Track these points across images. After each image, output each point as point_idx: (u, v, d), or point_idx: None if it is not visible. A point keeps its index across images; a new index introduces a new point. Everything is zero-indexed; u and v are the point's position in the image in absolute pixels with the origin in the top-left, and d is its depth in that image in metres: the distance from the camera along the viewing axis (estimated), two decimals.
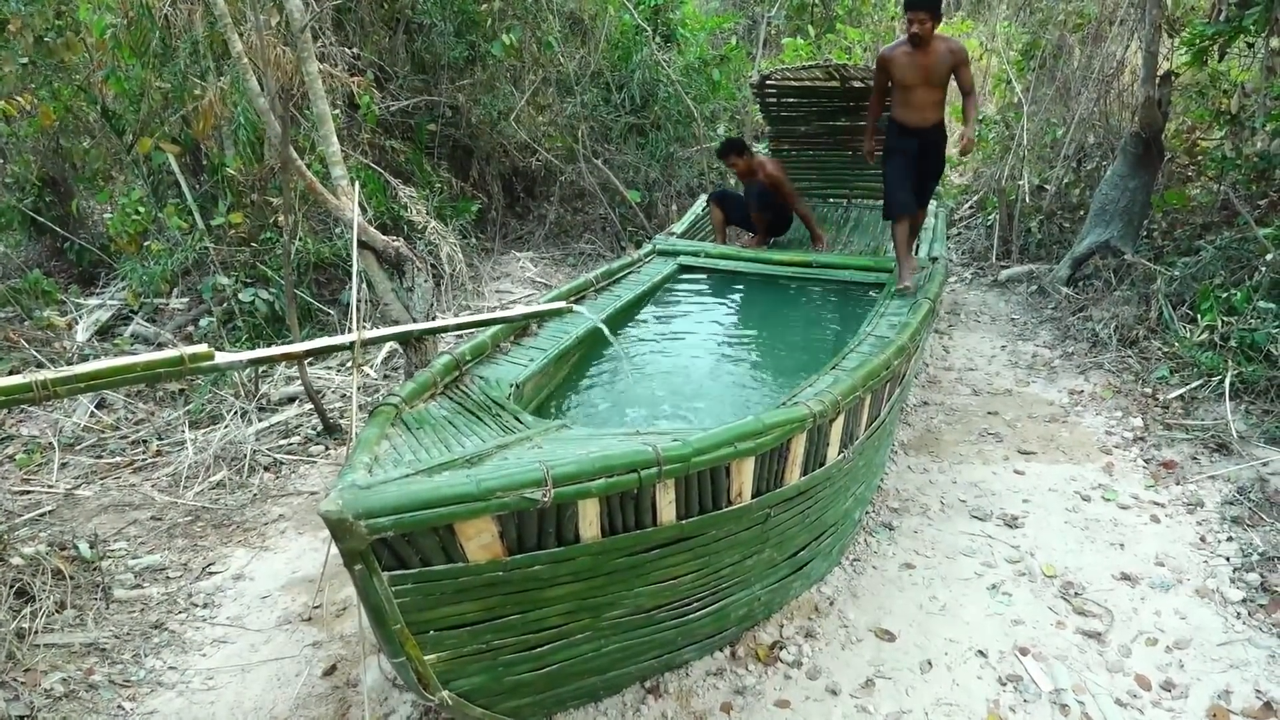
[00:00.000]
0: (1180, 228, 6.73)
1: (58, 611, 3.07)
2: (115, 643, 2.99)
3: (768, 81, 6.97)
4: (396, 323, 4.19)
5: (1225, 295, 4.97)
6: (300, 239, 5.78)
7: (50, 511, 3.85)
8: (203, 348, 2.22)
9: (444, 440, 2.55)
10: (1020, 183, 7.55)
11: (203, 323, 5.60)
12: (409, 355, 4.15)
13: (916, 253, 5.90)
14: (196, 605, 3.24)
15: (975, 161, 9.55)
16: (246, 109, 5.50)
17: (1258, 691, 2.70)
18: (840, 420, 2.89)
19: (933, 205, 6.69)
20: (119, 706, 2.71)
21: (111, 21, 5.61)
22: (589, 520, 2.18)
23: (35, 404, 2.03)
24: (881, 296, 4.69)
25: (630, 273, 5.15)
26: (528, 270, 7.36)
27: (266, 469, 4.27)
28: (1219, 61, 6.26)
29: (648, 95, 8.22)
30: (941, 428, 4.64)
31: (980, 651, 2.91)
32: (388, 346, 5.48)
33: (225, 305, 5.66)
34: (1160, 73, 6.25)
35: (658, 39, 8.16)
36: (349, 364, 5.36)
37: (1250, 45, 6.49)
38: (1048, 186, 7.87)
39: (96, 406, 4.80)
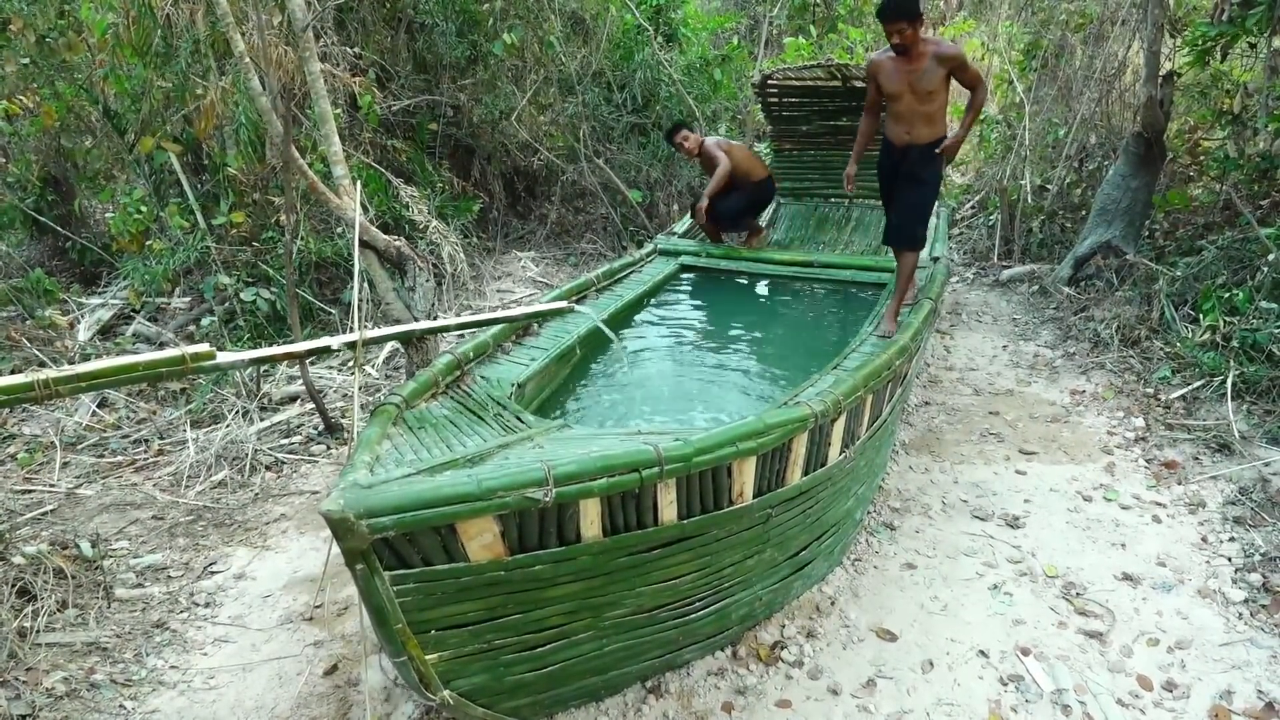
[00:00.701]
0: (1182, 228, 6.72)
1: (59, 610, 3.08)
2: (117, 642, 2.99)
3: (769, 81, 6.97)
4: (398, 322, 4.19)
5: (1227, 295, 4.96)
6: (302, 238, 5.78)
7: (52, 510, 3.85)
8: (204, 347, 2.22)
9: (445, 440, 2.56)
10: (1022, 182, 7.54)
11: (204, 322, 5.60)
12: (410, 355, 4.15)
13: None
14: (198, 604, 3.25)
15: (977, 161, 9.54)
16: (248, 108, 5.50)
17: (1259, 692, 2.70)
18: (842, 420, 2.90)
19: (935, 205, 6.68)
20: (120, 706, 2.71)
21: (113, 20, 5.61)
22: (590, 520, 2.18)
23: (37, 403, 2.03)
24: (883, 296, 4.69)
25: (632, 272, 5.16)
26: (529, 270, 7.37)
27: (268, 468, 4.28)
28: (1221, 61, 6.26)
29: (649, 95, 8.21)
30: (943, 428, 4.64)
31: (981, 651, 2.91)
32: (389, 346, 5.48)
33: (227, 304, 5.66)
34: (1162, 73, 6.24)
35: (659, 38, 8.15)
36: (350, 363, 5.36)
37: (1252, 45, 6.47)
38: (1049, 186, 7.86)
39: (98, 406, 4.80)
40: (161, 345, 5.52)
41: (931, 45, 4.01)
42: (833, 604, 3.16)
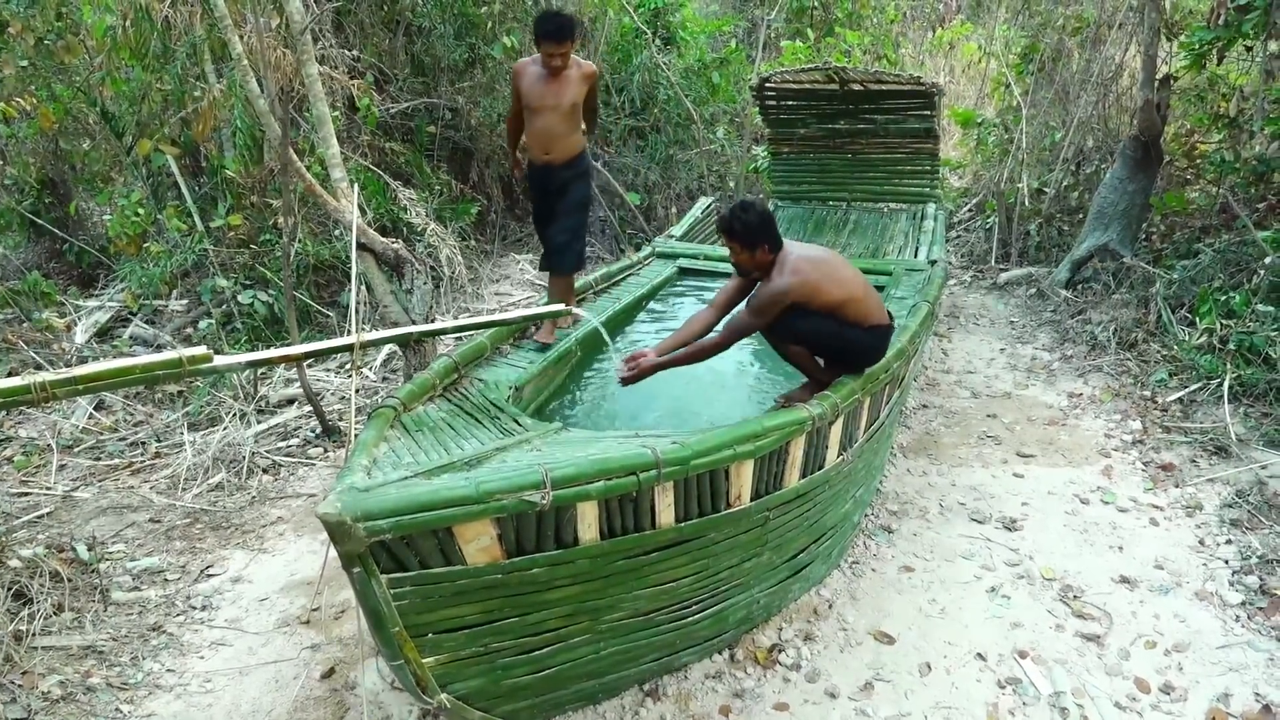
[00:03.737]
0: (1179, 231, 6.73)
1: (55, 614, 3.07)
2: (113, 645, 2.98)
3: (767, 84, 6.98)
4: (395, 325, 4.19)
5: (1224, 298, 4.97)
6: (299, 241, 5.77)
7: (48, 513, 3.84)
8: (201, 350, 2.22)
9: (443, 443, 2.56)
10: (1019, 186, 7.55)
11: (202, 325, 5.60)
12: (408, 357, 4.15)
13: (916, 255, 5.89)
14: (194, 608, 3.24)
15: (975, 164, 9.55)
16: (246, 111, 5.50)
17: (1256, 694, 2.70)
18: (839, 423, 2.90)
19: (932, 208, 6.70)
20: (117, 709, 2.71)
21: (112, 23, 5.61)
22: (588, 523, 2.18)
23: (34, 406, 2.03)
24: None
25: (630, 275, 5.16)
26: (527, 272, 7.36)
27: (265, 471, 4.27)
28: (1217, 65, 6.27)
29: (647, 98, 8.22)
30: (940, 430, 4.64)
31: (979, 654, 2.91)
32: (387, 349, 5.47)
33: (224, 307, 5.66)
34: (1159, 76, 6.25)
35: (657, 42, 8.16)
36: (348, 366, 5.36)
37: (1249, 49, 6.49)
38: (1047, 189, 7.87)
39: (95, 408, 4.79)
40: (159, 348, 5.51)
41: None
42: (830, 607, 3.16)
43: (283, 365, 4.97)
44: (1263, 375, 4.45)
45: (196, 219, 6.01)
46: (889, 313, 3.21)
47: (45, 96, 6.01)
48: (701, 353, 3.08)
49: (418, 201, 6.08)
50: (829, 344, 3.09)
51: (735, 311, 3.16)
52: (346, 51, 6.18)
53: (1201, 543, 3.53)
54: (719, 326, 3.15)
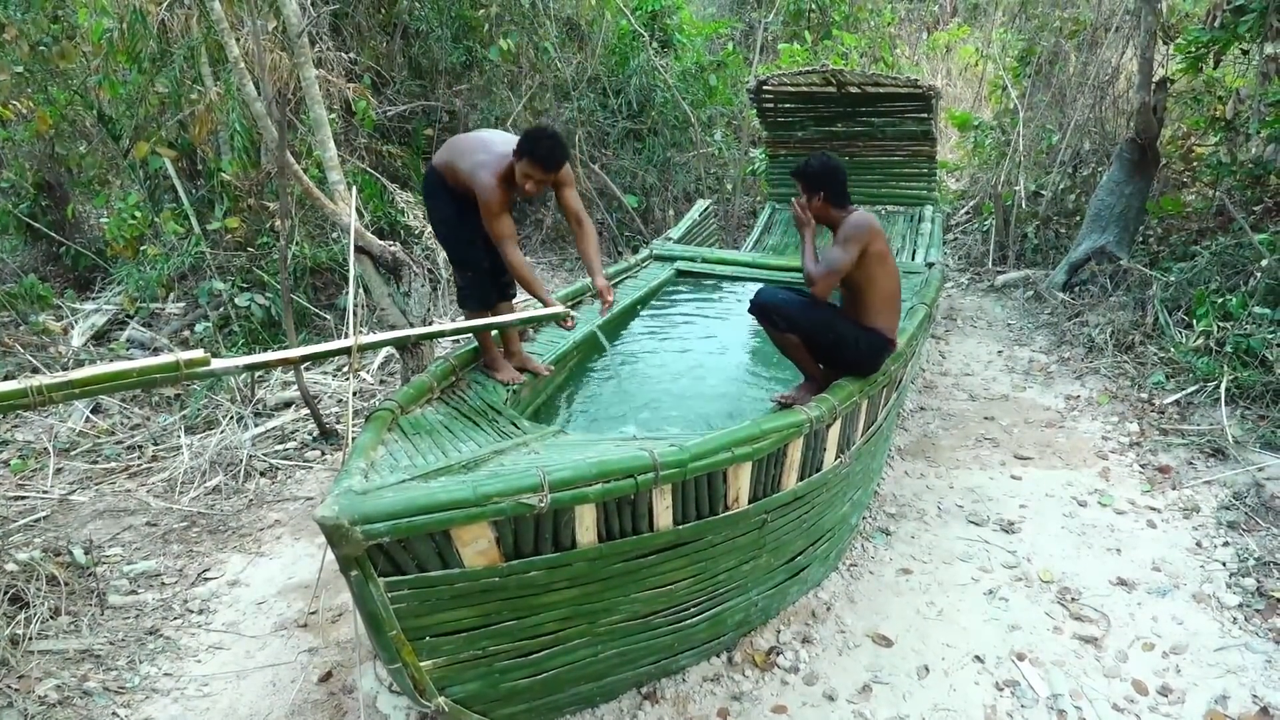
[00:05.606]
0: (1176, 233, 6.74)
1: (52, 618, 3.06)
2: (110, 649, 2.97)
3: (765, 87, 6.99)
4: (393, 328, 4.18)
5: (1221, 301, 4.98)
6: (297, 244, 5.77)
7: (45, 517, 3.83)
8: (199, 353, 2.22)
9: (440, 446, 2.55)
10: (1016, 188, 7.57)
11: (199, 328, 5.59)
12: (405, 360, 4.14)
13: (913, 257, 5.90)
14: (192, 611, 3.23)
15: (972, 167, 9.57)
16: (243, 114, 5.50)
17: (1254, 697, 2.70)
18: (837, 425, 2.90)
19: (929, 210, 6.71)
20: (113, 714, 2.70)
21: (108, 26, 5.61)
22: (586, 526, 2.18)
23: (30, 409, 2.03)
24: None
25: (627, 277, 5.16)
26: None
27: (262, 474, 4.26)
28: (1214, 68, 6.30)
29: (645, 100, 8.23)
30: (938, 433, 4.64)
31: (977, 657, 2.91)
32: (384, 351, 5.47)
33: (221, 310, 5.65)
34: (1156, 79, 6.27)
35: (655, 44, 8.18)
36: (346, 369, 5.35)
37: (1245, 52, 6.52)
38: (1044, 192, 7.89)
39: (92, 411, 4.78)
40: (156, 351, 5.51)
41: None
42: (828, 609, 3.15)
43: (280, 368, 4.97)
44: (1259, 377, 4.45)
45: (194, 222, 6.01)
46: (896, 333, 3.26)
47: (42, 100, 6.01)
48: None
49: (415, 204, 6.08)
50: (825, 336, 3.11)
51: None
52: (344, 54, 6.19)
53: (1199, 545, 3.53)
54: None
